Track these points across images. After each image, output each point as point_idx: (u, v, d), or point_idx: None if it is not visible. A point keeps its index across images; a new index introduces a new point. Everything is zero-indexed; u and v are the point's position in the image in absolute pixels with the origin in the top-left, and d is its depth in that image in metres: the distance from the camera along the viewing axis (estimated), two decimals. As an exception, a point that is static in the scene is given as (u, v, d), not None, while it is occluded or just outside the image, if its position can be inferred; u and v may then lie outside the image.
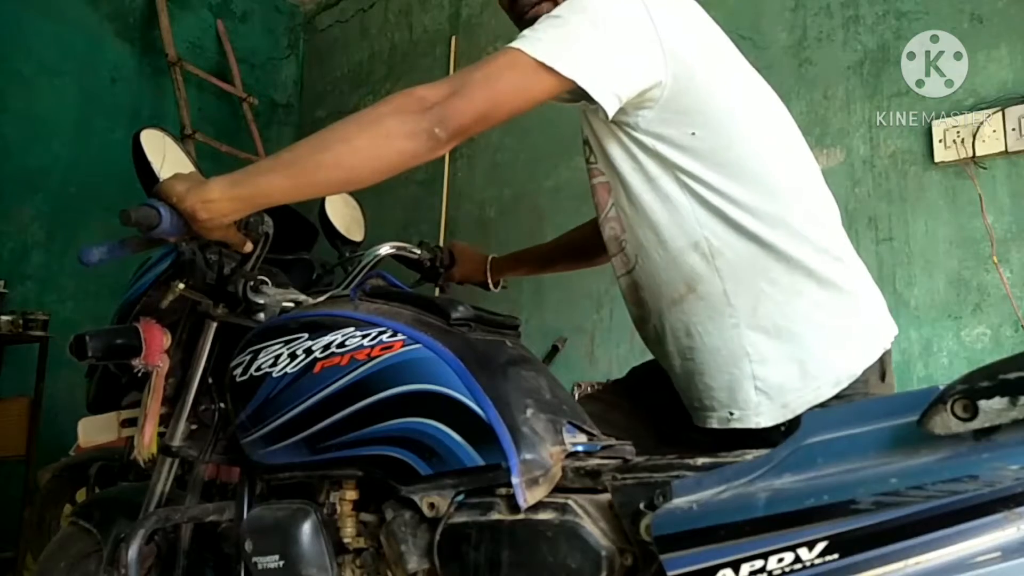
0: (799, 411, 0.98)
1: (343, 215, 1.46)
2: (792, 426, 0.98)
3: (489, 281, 1.49)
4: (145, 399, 1.09)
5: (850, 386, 0.99)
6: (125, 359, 1.08)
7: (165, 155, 1.13)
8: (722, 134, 0.98)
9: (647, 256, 1.07)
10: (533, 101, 0.93)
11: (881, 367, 1.03)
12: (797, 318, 1.00)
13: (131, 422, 1.34)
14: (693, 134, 0.97)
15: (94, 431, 1.36)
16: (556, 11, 0.95)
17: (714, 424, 1.05)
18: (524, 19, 1.09)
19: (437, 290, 1.54)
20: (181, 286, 1.07)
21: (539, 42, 0.91)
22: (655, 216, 1.02)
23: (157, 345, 1.09)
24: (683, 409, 1.11)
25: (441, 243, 3.48)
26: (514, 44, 0.92)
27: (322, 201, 1.43)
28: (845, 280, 1.03)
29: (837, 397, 0.99)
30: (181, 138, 3.58)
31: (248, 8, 4.34)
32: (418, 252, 1.40)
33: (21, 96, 3.36)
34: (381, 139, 0.90)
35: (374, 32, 4.20)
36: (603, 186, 1.11)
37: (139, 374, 1.09)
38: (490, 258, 1.51)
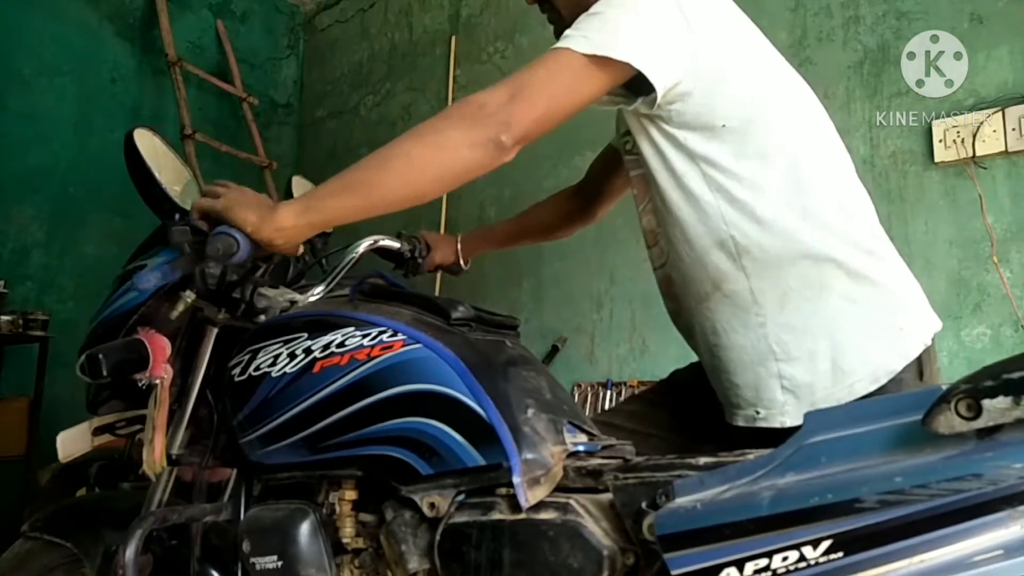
0: None
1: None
2: None
3: (461, 260, 1.50)
4: (151, 411, 1.07)
5: (888, 383, 0.97)
6: (133, 373, 1.07)
7: (157, 155, 1.13)
8: (752, 124, 0.98)
9: (676, 253, 1.07)
10: (590, 99, 0.94)
11: (919, 365, 1.00)
12: (827, 314, 0.98)
13: (103, 429, 1.32)
14: (724, 125, 0.97)
15: (70, 444, 1.33)
16: (593, 9, 0.96)
17: (740, 422, 1.04)
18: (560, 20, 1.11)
19: (437, 287, 1.53)
20: (192, 296, 1.07)
21: (587, 39, 0.91)
22: (681, 214, 1.02)
23: (161, 356, 1.08)
24: (719, 405, 1.11)
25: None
26: (562, 44, 0.92)
27: (288, 183, 1.43)
28: (879, 274, 1.01)
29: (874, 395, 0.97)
30: (181, 138, 3.58)
31: (248, 8, 4.34)
32: (398, 244, 1.40)
33: (21, 96, 3.36)
34: (445, 152, 0.89)
35: (374, 32, 4.20)
36: (640, 179, 1.12)
37: (143, 387, 1.08)
38: (459, 237, 1.51)
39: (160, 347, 1.08)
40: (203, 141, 3.70)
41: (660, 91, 0.93)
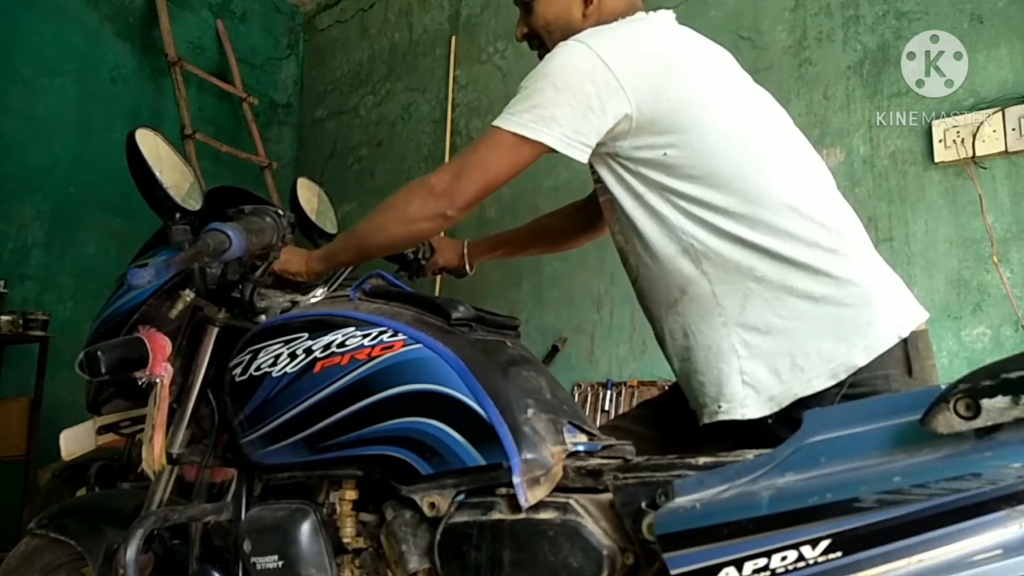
0: (785, 404, 1.01)
1: (308, 200, 1.45)
2: (780, 418, 1.00)
3: (466, 264, 1.52)
4: (151, 410, 1.08)
5: (866, 384, 0.99)
6: (133, 371, 1.07)
7: (159, 155, 1.13)
8: (694, 148, 1.04)
9: (644, 266, 1.12)
10: (522, 168, 1.10)
11: (906, 360, 1.02)
12: (787, 313, 1.02)
13: (107, 428, 1.33)
14: (665, 154, 1.05)
15: (74, 442, 1.33)
16: (524, 82, 1.10)
17: (705, 419, 1.07)
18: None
19: (437, 287, 1.53)
20: (191, 295, 1.07)
21: (513, 117, 1.07)
22: (645, 229, 1.09)
23: (162, 354, 1.08)
24: (691, 414, 1.13)
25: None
26: (496, 122, 1.09)
27: (293, 186, 1.44)
28: (844, 271, 1.03)
29: (839, 386, 0.99)
30: (181, 138, 3.58)
31: (248, 8, 4.34)
32: None
33: (21, 96, 3.36)
34: (408, 224, 1.14)
35: (374, 32, 4.20)
36: (607, 203, 1.17)
37: (143, 385, 1.08)
38: (465, 242, 1.53)
39: (160, 346, 1.08)
40: (203, 141, 3.70)
41: (580, 158, 1.07)
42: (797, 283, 1.02)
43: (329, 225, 1.45)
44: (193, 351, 1.14)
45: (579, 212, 1.50)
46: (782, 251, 1.02)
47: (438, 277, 2.91)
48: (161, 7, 3.73)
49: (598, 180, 1.17)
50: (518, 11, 1.26)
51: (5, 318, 2.94)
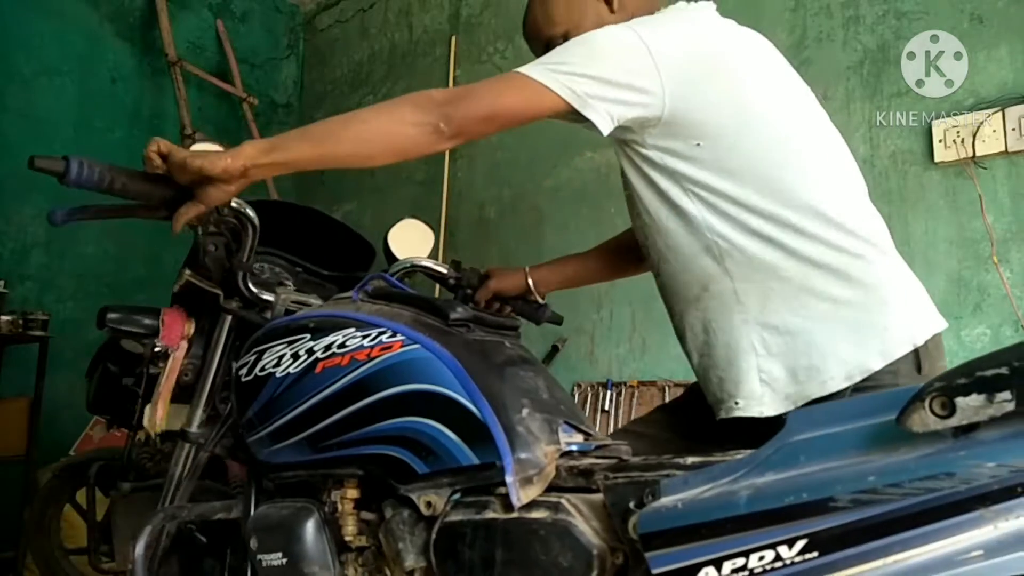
0: (800, 403, 1.01)
1: (406, 239, 1.43)
2: None
3: (534, 293, 1.40)
4: (160, 378, 1.17)
5: (873, 379, 1.00)
6: (143, 337, 1.16)
7: None
8: (726, 142, 1.02)
9: (665, 262, 1.12)
10: (533, 116, 1.03)
11: (917, 362, 1.03)
12: (807, 314, 1.02)
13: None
14: (698, 144, 1.02)
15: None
16: (562, 46, 1.06)
17: (723, 414, 1.07)
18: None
19: (437, 288, 1.53)
20: (188, 272, 1.11)
21: (537, 66, 1.02)
22: (668, 225, 1.08)
23: (177, 329, 1.17)
24: (708, 413, 1.14)
25: (441, 244, 3.48)
26: (521, 69, 1.02)
27: (386, 232, 1.42)
28: (866, 275, 1.03)
29: (857, 390, 1.00)
30: (181, 138, 3.60)
31: (248, 8, 4.35)
32: (444, 270, 1.40)
33: (21, 96, 3.37)
34: (394, 124, 1.01)
35: (374, 32, 4.21)
36: (629, 198, 1.17)
37: (158, 352, 1.17)
38: (527, 269, 1.43)
39: (176, 321, 1.16)
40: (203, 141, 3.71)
41: (602, 127, 1.01)
42: (818, 284, 1.02)
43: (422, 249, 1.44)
44: (211, 338, 1.21)
45: None
46: (806, 252, 1.01)
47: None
48: (161, 7, 3.74)
49: (623, 173, 1.15)
50: (527, 43, 1.25)
51: (5, 318, 2.95)
